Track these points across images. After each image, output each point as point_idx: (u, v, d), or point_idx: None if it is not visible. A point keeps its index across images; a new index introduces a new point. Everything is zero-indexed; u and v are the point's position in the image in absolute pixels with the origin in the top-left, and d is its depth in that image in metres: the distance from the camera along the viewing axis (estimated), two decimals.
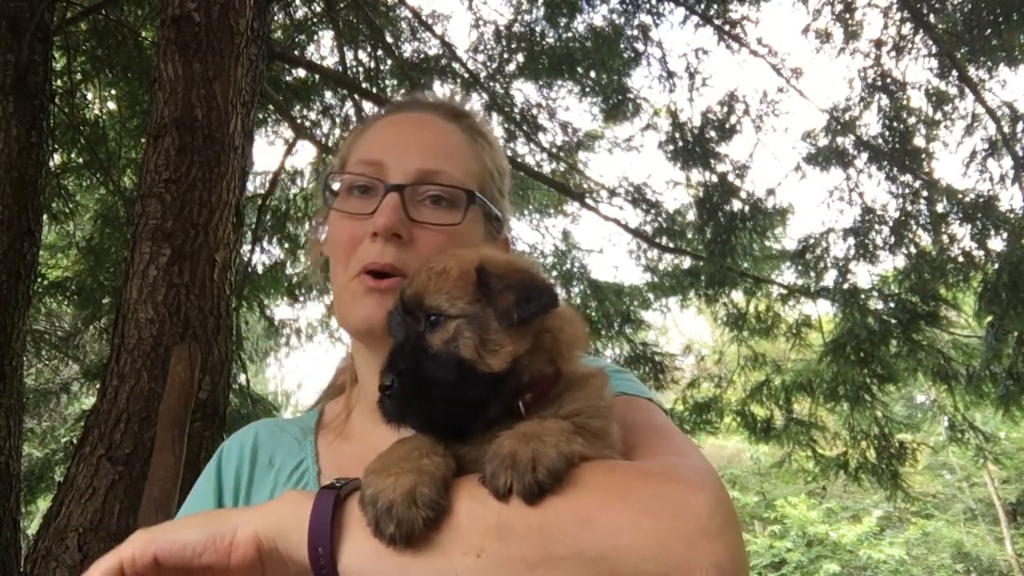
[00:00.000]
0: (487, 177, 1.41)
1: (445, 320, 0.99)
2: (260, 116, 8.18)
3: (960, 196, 8.14)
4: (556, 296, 1.00)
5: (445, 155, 1.33)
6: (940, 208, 8.35)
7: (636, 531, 0.86)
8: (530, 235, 10.53)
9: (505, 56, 9.15)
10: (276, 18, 8.46)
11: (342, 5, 8.60)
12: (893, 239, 8.41)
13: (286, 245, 9.17)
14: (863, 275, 8.86)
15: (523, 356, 0.97)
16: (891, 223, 8.47)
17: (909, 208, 8.47)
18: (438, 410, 0.97)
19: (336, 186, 1.36)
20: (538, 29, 8.97)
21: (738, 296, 9.62)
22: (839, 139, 8.77)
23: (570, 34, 8.87)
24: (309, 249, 1.55)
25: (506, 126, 9.53)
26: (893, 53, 8.59)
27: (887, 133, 8.53)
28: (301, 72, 8.76)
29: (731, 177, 8.81)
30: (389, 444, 1.30)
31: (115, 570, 0.90)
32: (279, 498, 0.96)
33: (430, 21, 9.10)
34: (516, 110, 9.46)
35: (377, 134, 1.39)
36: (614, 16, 8.88)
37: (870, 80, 8.61)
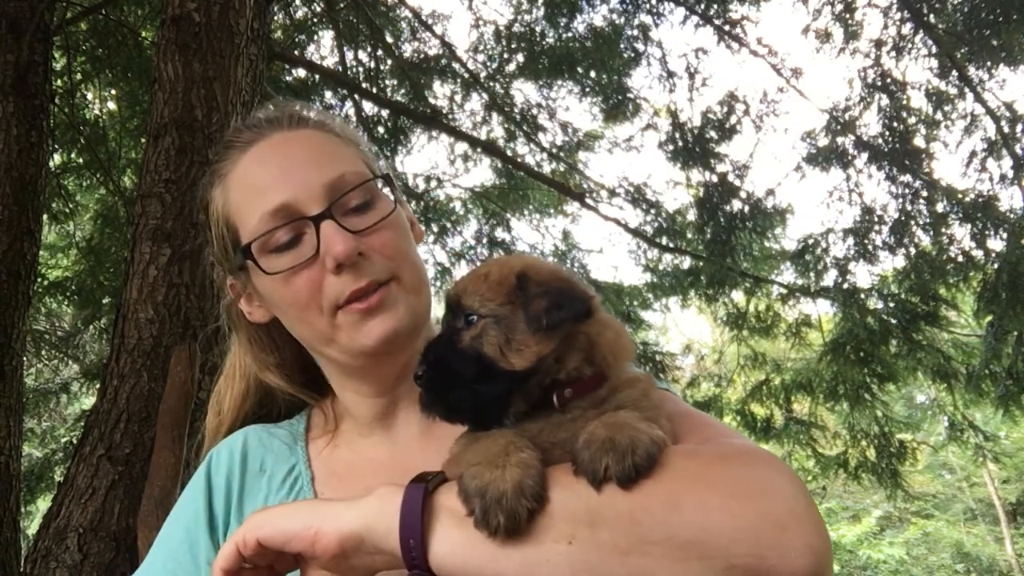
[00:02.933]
0: (368, 156, 1.39)
1: (477, 319, 1.06)
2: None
3: (960, 196, 8.14)
4: (590, 306, 1.04)
5: (330, 159, 1.29)
6: (940, 208, 8.35)
7: (725, 514, 0.87)
8: (530, 235, 10.56)
9: (505, 56, 9.15)
10: (276, 18, 8.46)
11: (342, 5, 8.60)
12: (893, 239, 8.42)
13: None
14: (863, 275, 8.87)
15: (549, 356, 1.02)
16: (891, 223, 8.47)
17: (909, 208, 8.47)
18: (461, 401, 1.04)
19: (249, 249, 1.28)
20: (538, 29, 8.97)
21: (738, 296, 9.63)
22: (839, 139, 8.77)
23: (570, 34, 8.87)
24: (232, 319, 1.47)
25: (506, 126, 9.53)
26: (893, 53, 8.60)
27: (887, 133, 8.53)
28: (301, 72, 8.76)
29: (731, 177, 8.81)
30: (379, 454, 1.34)
31: (234, 553, 0.99)
32: (370, 493, 0.99)
33: (430, 21, 9.11)
34: (516, 110, 9.46)
35: (250, 178, 1.29)
36: (614, 16, 8.89)
37: (870, 80, 8.61)
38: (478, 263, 10.06)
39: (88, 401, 8.74)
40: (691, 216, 9.34)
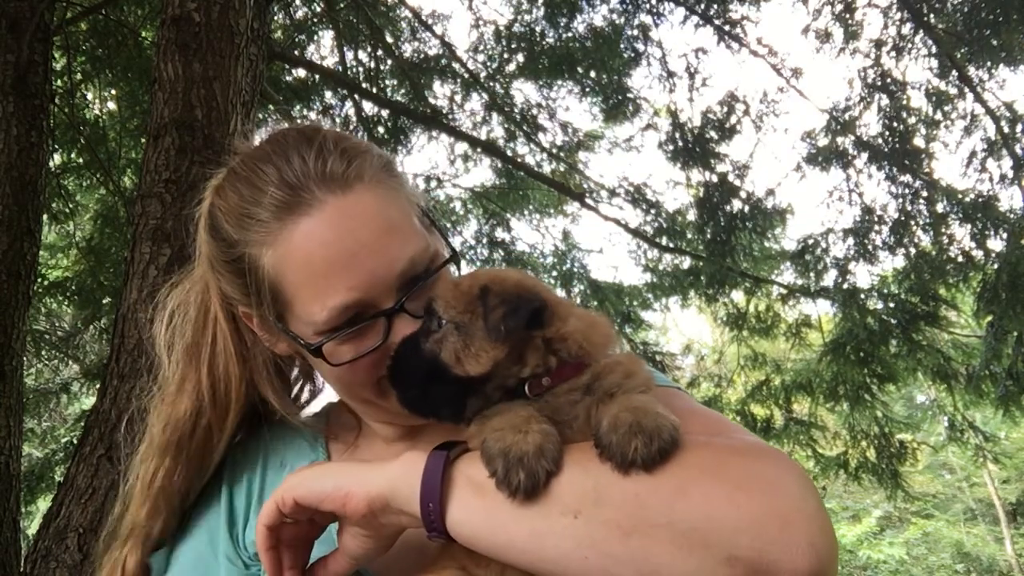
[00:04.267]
0: (414, 200, 1.28)
1: (440, 324, 1.13)
2: (260, 116, 8.18)
3: (960, 196, 8.14)
4: (536, 308, 1.08)
5: (398, 237, 1.18)
6: (940, 208, 8.35)
7: (731, 505, 0.88)
8: (530, 235, 10.57)
9: (505, 56, 9.14)
10: (276, 18, 8.46)
11: (342, 5, 8.60)
12: (893, 239, 8.41)
13: None
14: (863, 275, 8.87)
15: (504, 361, 1.08)
16: (891, 223, 8.47)
17: (909, 208, 8.47)
18: (416, 398, 1.14)
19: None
20: (538, 29, 8.97)
21: (738, 296, 9.63)
22: (839, 139, 8.77)
23: (570, 34, 8.87)
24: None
25: (506, 126, 9.53)
26: (893, 53, 8.59)
27: (887, 133, 8.53)
28: (301, 72, 8.76)
29: (731, 177, 8.81)
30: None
31: (274, 511, 1.06)
32: (398, 458, 1.03)
33: (430, 21, 9.10)
34: (516, 110, 9.46)
35: (312, 261, 1.14)
36: (614, 16, 8.88)
37: (870, 80, 8.61)
38: (478, 263, 10.02)
39: (88, 401, 8.74)
40: (691, 216, 9.34)
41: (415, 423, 1.31)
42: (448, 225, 9.88)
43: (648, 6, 8.80)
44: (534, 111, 9.56)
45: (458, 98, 9.37)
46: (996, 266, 7.68)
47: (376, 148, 1.29)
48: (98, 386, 4.35)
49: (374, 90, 8.83)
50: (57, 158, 7.66)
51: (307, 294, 1.16)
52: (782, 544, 0.85)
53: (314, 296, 1.16)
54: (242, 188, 1.22)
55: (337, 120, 9.16)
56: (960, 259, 8.13)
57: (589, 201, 9.49)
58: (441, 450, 1.01)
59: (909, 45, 8.52)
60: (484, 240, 10.04)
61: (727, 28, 8.75)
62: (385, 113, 9.07)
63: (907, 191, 8.49)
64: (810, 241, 8.68)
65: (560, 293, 1.20)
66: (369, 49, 8.93)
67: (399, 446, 1.36)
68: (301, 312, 1.18)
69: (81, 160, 7.91)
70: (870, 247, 8.46)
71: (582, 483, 0.93)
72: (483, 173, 10.80)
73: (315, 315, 1.16)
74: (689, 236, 9.43)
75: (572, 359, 1.10)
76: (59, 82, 7.23)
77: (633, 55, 8.96)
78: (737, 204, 8.72)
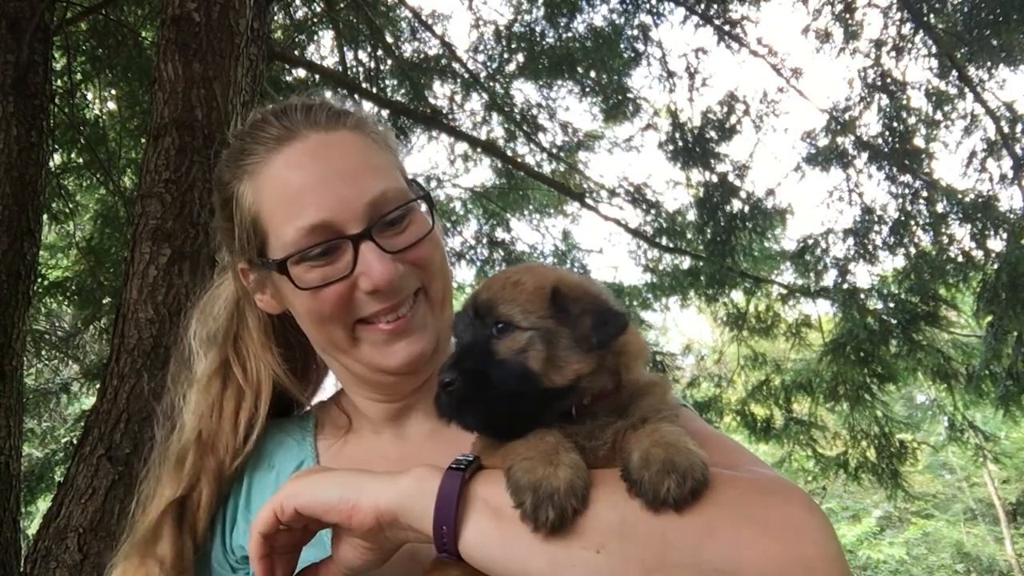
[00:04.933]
0: (400, 162, 1.35)
1: (514, 330, 1.02)
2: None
3: (960, 196, 8.14)
4: (628, 320, 1.04)
5: (371, 171, 1.24)
6: (940, 208, 8.35)
7: (757, 550, 0.87)
8: (530, 235, 10.56)
9: (505, 56, 9.14)
10: (276, 18, 8.46)
11: (342, 5, 8.60)
12: (893, 239, 8.42)
13: None
14: (863, 275, 8.86)
15: (587, 375, 1.01)
16: (891, 223, 8.47)
17: (909, 208, 8.47)
18: (495, 413, 1.01)
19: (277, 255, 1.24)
20: (538, 29, 8.97)
21: (738, 296, 9.63)
22: (839, 139, 8.77)
23: (570, 34, 8.86)
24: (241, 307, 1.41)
25: (506, 126, 9.53)
26: (893, 53, 8.59)
27: (887, 133, 8.53)
28: (301, 72, 8.76)
29: (731, 177, 8.81)
30: (390, 452, 1.34)
31: (271, 519, 1.02)
32: (408, 472, 0.99)
33: (430, 21, 9.10)
34: (516, 110, 9.46)
35: (286, 186, 1.22)
36: (614, 16, 8.88)
37: (870, 80, 8.61)
38: (478, 263, 9.94)
39: (88, 401, 8.74)
40: (691, 216, 9.34)
41: (401, 390, 1.31)
42: (448, 225, 9.87)
43: (648, 6, 8.80)
44: (534, 111, 9.56)
45: (458, 98, 9.38)
46: (996, 266, 7.68)
47: (374, 115, 1.36)
48: (98, 386, 4.35)
49: (374, 90, 8.83)
50: (57, 158, 7.65)
51: (280, 217, 1.22)
52: None
53: (285, 218, 1.21)
54: (244, 136, 1.31)
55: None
56: (960, 259, 8.13)
57: (589, 201, 9.49)
58: (456, 468, 0.98)
59: (909, 45, 8.52)
60: (484, 240, 10.04)
61: (727, 28, 8.75)
62: (385, 113, 9.06)
63: (907, 191, 8.49)
64: (810, 241, 8.69)
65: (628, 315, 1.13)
66: (369, 49, 8.93)
67: (387, 434, 1.36)
68: (275, 240, 1.23)
69: (81, 160, 7.91)
70: (870, 247, 8.47)
71: (608, 517, 0.90)
72: (483, 173, 10.81)
73: (286, 236, 1.21)
74: (689, 236, 9.43)
75: (624, 374, 1.04)
76: (59, 82, 7.23)
77: (633, 55, 8.96)
78: (737, 204, 8.73)
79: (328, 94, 1.47)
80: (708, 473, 0.91)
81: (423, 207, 1.30)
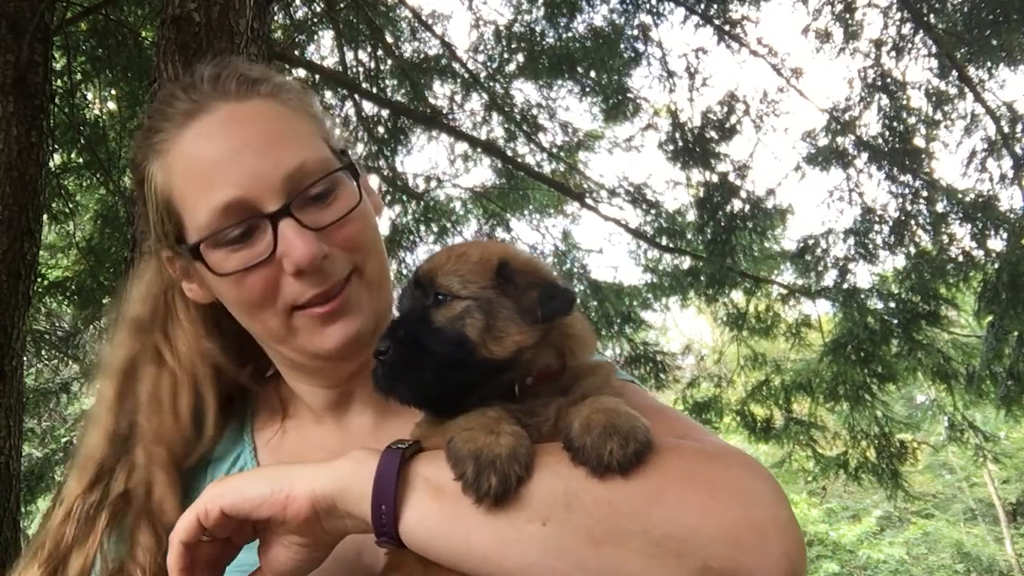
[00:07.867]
0: (326, 130, 1.24)
1: (453, 300, 1.00)
2: None
3: (960, 196, 8.14)
4: (575, 299, 1.02)
5: (288, 142, 1.14)
6: (940, 208, 8.35)
7: (705, 514, 0.85)
8: (530, 235, 10.53)
9: (505, 56, 9.14)
10: (276, 18, 8.46)
11: (342, 5, 8.60)
12: (893, 239, 8.42)
13: None
14: (863, 275, 8.86)
15: (529, 349, 0.99)
16: (891, 223, 8.47)
17: (909, 208, 8.47)
18: (429, 383, 0.98)
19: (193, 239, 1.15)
20: (538, 29, 8.97)
21: (738, 296, 9.63)
22: (839, 139, 8.77)
23: (570, 34, 8.87)
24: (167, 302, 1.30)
25: (506, 126, 9.53)
26: (893, 53, 8.59)
27: (887, 133, 8.53)
28: (301, 72, 8.75)
29: (731, 177, 8.80)
30: (331, 442, 1.27)
31: (194, 525, 0.93)
32: (344, 456, 0.94)
33: (430, 21, 9.10)
34: (516, 110, 9.46)
35: (196, 163, 1.13)
36: (614, 16, 8.88)
37: (870, 80, 8.61)
38: None
39: (88, 401, 8.73)
40: (691, 216, 9.34)
41: (339, 375, 1.23)
42: (448, 225, 9.87)
43: (648, 6, 8.80)
44: (534, 111, 9.56)
45: (458, 98, 9.37)
46: (996, 266, 7.68)
47: (293, 81, 1.26)
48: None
49: (374, 90, 8.83)
50: (57, 158, 7.66)
51: (192, 198, 1.13)
52: (757, 554, 0.83)
53: (198, 198, 1.12)
54: (153, 113, 1.21)
55: (337, 120, 9.16)
56: (960, 259, 8.13)
57: (589, 201, 9.49)
58: (395, 449, 0.93)
59: (909, 45, 8.52)
60: (484, 240, 10.04)
61: (727, 28, 8.75)
62: (385, 113, 9.07)
63: (907, 191, 8.49)
64: (810, 241, 8.69)
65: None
66: (369, 49, 8.93)
67: (329, 423, 1.29)
68: (189, 223, 1.14)
69: (81, 160, 7.92)
70: (870, 247, 8.46)
71: (552, 488, 0.87)
72: (483, 173, 10.80)
73: (199, 218, 1.12)
74: (689, 236, 9.43)
75: (562, 360, 1.03)
76: (59, 82, 7.23)
77: (633, 55, 8.96)
78: (737, 204, 8.72)
79: (240, 60, 1.34)
80: (651, 436, 0.89)
81: (352, 181, 1.20)
